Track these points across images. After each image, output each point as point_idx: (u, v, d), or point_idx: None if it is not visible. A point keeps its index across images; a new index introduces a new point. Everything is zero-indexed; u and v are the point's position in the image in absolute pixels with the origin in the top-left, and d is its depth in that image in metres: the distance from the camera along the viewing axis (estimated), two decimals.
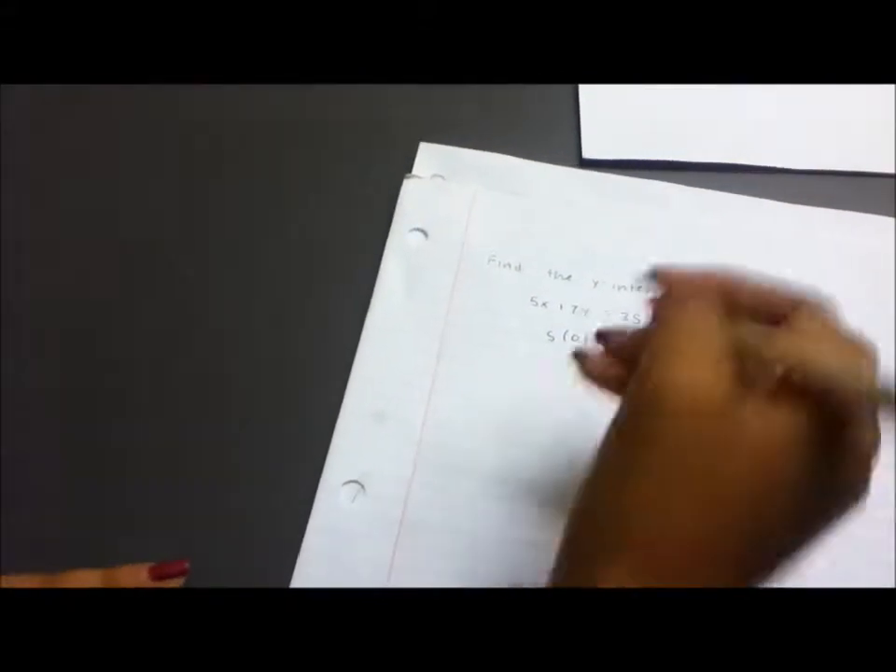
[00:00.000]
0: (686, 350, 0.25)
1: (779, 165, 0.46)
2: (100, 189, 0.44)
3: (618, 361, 0.30)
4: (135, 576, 0.33)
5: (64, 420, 0.38)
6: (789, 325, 0.26)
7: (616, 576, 0.24)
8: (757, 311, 0.27)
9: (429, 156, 0.45)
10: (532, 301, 0.41)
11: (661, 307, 0.28)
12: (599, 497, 0.26)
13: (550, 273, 0.42)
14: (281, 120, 0.46)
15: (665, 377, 0.25)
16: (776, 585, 0.26)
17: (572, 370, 0.31)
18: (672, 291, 0.28)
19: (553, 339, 0.40)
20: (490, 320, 0.41)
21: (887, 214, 0.44)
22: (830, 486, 0.25)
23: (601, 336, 0.31)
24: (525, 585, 0.33)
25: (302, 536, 0.35)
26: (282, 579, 0.34)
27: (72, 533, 0.35)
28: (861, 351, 0.25)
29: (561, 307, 0.41)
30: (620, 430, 0.26)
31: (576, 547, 0.26)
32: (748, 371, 0.25)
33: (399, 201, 0.43)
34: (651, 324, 0.29)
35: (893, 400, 0.23)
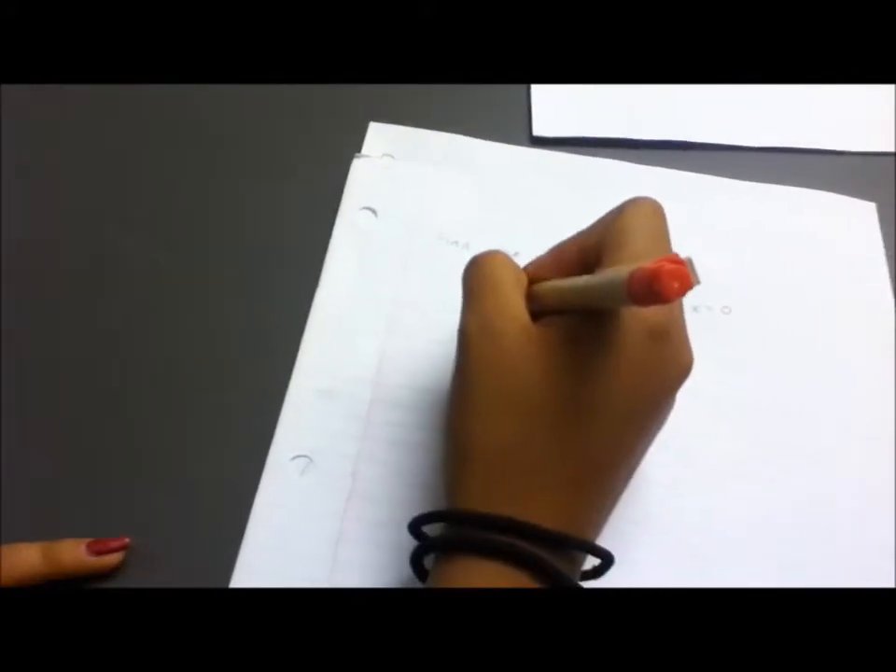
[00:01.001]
0: (482, 299, 0.30)
1: (729, 143, 0.46)
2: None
3: None
4: (75, 550, 0.32)
5: (11, 394, 0.38)
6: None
7: (466, 486, 0.28)
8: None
9: (379, 135, 0.45)
10: None
11: (467, 267, 0.32)
12: (449, 417, 0.30)
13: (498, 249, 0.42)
14: (230, 99, 0.46)
15: (465, 323, 0.30)
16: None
17: None
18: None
19: None
20: (439, 297, 0.41)
21: (837, 191, 0.45)
22: (620, 368, 0.27)
23: None
24: None
25: (251, 508, 0.35)
26: (230, 552, 0.34)
27: (14, 509, 0.35)
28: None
29: None
30: (455, 362, 0.31)
31: (444, 460, 0.31)
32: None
33: (349, 180, 0.43)
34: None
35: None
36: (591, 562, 0.29)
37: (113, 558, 0.33)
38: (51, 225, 0.43)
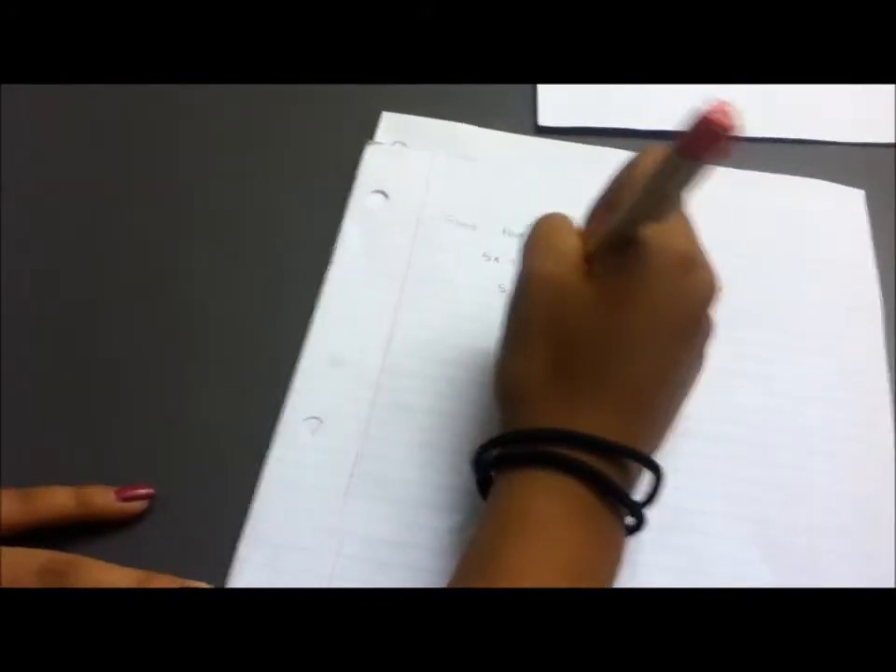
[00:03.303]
0: (543, 246, 0.33)
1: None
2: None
3: None
4: (105, 495, 0.35)
5: (43, 348, 0.41)
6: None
7: (521, 411, 0.32)
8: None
9: (391, 124, 0.48)
10: (485, 256, 0.44)
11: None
12: (502, 350, 0.34)
13: (503, 231, 0.45)
14: (252, 90, 0.49)
15: (527, 268, 0.33)
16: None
17: None
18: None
19: (504, 291, 0.43)
20: (445, 274, 0.43)
21: (828, 179, 0.47)
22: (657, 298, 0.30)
23: None
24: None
25: (264, 463, 0.38)
26: (244, 502, 0.37)
27: (40, 457, 0.37)
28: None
29: (512, 262, 0.44)
30: (510, 300, 0.34)
31: (497, 389, 0.34)
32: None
33: (362, 165, 0.46)
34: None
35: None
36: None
37: (138, 505, 0.36)
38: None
